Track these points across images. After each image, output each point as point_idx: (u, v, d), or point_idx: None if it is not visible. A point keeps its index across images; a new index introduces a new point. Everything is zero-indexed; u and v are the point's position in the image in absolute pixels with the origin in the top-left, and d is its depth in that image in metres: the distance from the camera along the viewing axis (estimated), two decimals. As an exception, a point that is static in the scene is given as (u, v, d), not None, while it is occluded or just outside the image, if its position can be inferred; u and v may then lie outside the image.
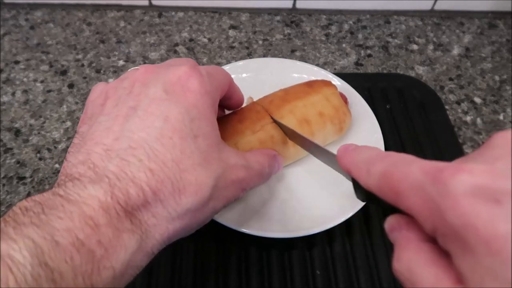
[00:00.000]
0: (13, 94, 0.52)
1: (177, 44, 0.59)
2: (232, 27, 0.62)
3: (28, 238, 0.19)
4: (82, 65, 0.56)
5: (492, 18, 0.65)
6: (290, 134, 0.39)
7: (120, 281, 0.23)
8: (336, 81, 0.48)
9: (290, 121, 0.40)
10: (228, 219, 0.37)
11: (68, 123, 0.50)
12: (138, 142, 0.25)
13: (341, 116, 0.42)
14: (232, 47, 0.59)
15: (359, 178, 0.24)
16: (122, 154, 0.24)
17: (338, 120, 0.42)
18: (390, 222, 0.23)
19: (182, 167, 0.25)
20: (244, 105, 0.40)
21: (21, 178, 0.45)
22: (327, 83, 0.43)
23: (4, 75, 0.54)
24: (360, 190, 0.26)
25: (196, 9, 0.64)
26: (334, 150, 0.29)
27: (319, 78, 0.45)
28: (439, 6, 0.64)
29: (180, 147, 0.25)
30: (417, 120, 0.49)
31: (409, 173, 0.20)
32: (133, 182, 0.23)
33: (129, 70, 0.30)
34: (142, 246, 0.24)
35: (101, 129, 0.26)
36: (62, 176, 0.24)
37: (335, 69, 0.57)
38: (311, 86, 0.43)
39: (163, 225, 0.25)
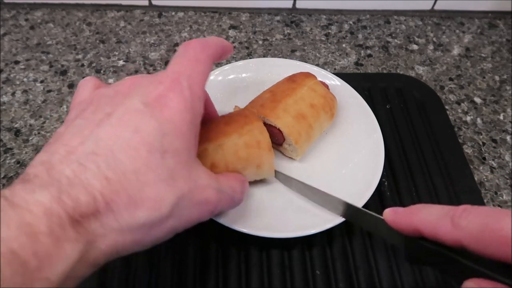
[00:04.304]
0: (13, 94, 0.52)
1: (177, 44, 0.59)
2: (232, 27, 0.62)
3: None
4: (82, 65, 0.56)
5: (492, 18, 0.65)
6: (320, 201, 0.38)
7: None
8: (336, 81, 0.48)
9: (287, 120, 0.40)
10: (228, 219, 0.37)
11: (68, 123, 0.50)
12: (102, 149, 0.24)
13: (330, 102, 0.43)
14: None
15: (437, 232, 0.25)
16: (82, 158, 0.24)
17: (329, 107, 0.43)
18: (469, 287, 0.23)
19: (143, 181, 0.24)
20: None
21: (21, 178, 0.45)
22: (307, 75, 0.45)
23: (4, 75, 0.54)
24: (413, 250, 0.27)
25: (196, 9, 0.64)
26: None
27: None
28: (439, 6, 0.64)
29: (145, 160, 0.24)
30: (417, 120, 0.49)
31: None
32: (86, 189, 0.23)
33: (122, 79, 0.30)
34: (84, 257, 0.23)
35: (73, 131, 0.26)
36: (22, 175, 0.24)
37: (335, 69, 0.57)
38: (294, 81, 0.43)
39: (111, 237, 0.24)
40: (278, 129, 0.40)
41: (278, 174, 0.41)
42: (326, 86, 0.45)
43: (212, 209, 0.29)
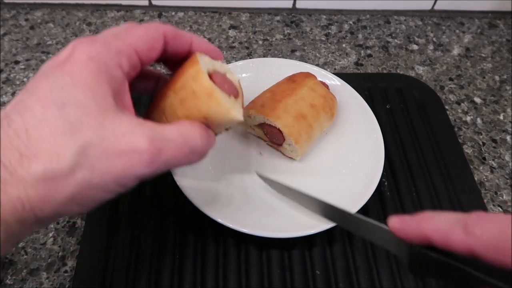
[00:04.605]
0: (13, 94, 0.52)
1: (177, 44, 0.59)
2: (232, 27, 0.62)
3: None
4: (82, 65, 0.56)
5: (492, 18, 0.65)
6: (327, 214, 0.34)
7: None
8: (336, 81, 0.48)
9: (287, 120, 0.40)
10: (228, 219, 0.37)
11: (68, 123, 0.50)
12: (2, 115, 0.25)
13: (330, 102, 0.43)
14: (232, 47, 0.59)
15: (448, 240, 0.24)
16: None
17: (329, 107, 0.43)
18: None
19: (36, 136, 0.24)
20: None
21: (21, 178, 0.45)
22: (308, 75, 0.45)
23: (4, 75, 0.54)
24: (418, 261, 0.25)
25: (196, 9, 0.64)
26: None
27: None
28: (439, 6, 0.64)
29: (40, 116, 0.25)
30: (417, 120, 0.49)
31: None
32: None
33: None
34: None
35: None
36: None
37: (335, 69, 0.57)
38: (294, 81, 0.44)
39: (12, 193, 0.24)
40: (278, 129, 0.40)
41: (262, 177, 0.39)
42: (326, 86, 0.45)
43: (147, 159, 0.26)
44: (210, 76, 0.31)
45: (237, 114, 0.31)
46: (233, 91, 0.32)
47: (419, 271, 0.26)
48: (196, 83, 0.30)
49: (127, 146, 0.26)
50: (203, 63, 0.31)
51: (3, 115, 0.25)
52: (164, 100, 0.31)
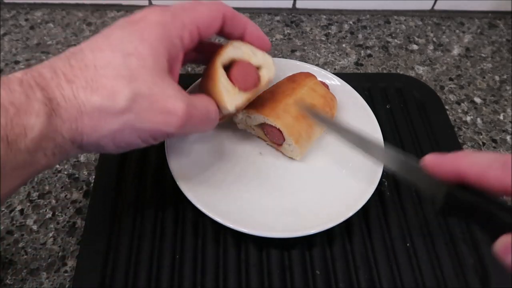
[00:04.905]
0: (13, 94, 0.52)
1: (177, 44, 0.59)
2: (232, 27, 0.62)
3: None
4: (82, 65, 0.56)
5: (492, 18, 0.65)
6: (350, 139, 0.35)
7: (35, 148, 0.26)
8: (336, 81, 0.48)
9: (287, 120, 0.40)
10: (228, 219, 0.37)
11: (68, 123, 0.50)
12: (76, 49, 0.30)
13: (330, 102, 0.43)
14: (232, 47, 0.59)
15: (485, 176, 0.24)
16: (62, 54, 0.29)
17: (329, 107, 0.43)
18: (505, 242, 0.23)
19: (102, 73, 0.28)
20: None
21: (21, 178, 0.45)
22: (308, 75, 0.45)
23: (4, 75, 0.54)
24: (450, 201, 0.26)
25: (196, 9, 0.64)
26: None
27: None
28: (439, 6, 0.64)
29: (108, 58, 0.29)
30: (417, 120, 0.49)
31: None
32: (51, 67, 0.28)
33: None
34: (51, 121, 0.27)
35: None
36: None
37: (335, 69, 0.57)
38: (294, 81, 0.44)
39: (72, 113, 0.27)
40: (278, 129, 0.40)
41: (311, 113, 0.40)
42: (326, 86, 0.45)
43: (181, 122, 0.31)
44: (233, 64, 0.36)
45: (229, 104, 0.35)
46: (244, 85, 0.36)
47: (448, 212, 0.26)
48: (211, 66, 0.36)
49: (170, 106, 0.30)
50: (232, 50, 0.36)
51: (78, 49, 0.29)
52: (207, 67, 0.38)
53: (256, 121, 0.42)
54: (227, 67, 0.36)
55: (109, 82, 0.28)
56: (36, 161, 0.27)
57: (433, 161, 0.27)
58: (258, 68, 0.38)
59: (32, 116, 0.26)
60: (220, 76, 0.35)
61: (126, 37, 0.30)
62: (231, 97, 0.35)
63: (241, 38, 0.37)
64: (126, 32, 0.30)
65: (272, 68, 0.38)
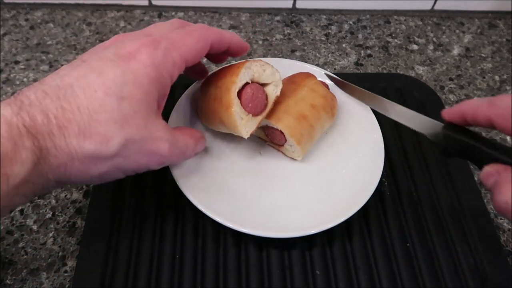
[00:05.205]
0: (13, 94, 0.52)
1: (177, 44, 0.59)
2: (232, 27, 0.62)
3: None
4: (82, 65, 0.56)
5: (492, 18, 0.65)
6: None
7: (15, 193, 0.26)
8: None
9: (288, 121, 0.40)
10: (228, 219, 0.37)
11: (68, 123, 0.50)
12: (66, 84, 0.28)
13: (330, 102, 0.43)
14: (232, 47, 0.59)
15: (476, 112, 0.31)
16: (47, 88, 0.28)
17: (330, 107, 0.43)
18: (487, 170, 0.30)
19: (95, 118, 0.28)
20: None
21: (21, 178, 0.45)
22: (308, 75, 0.45)
23: (4, 75, 0.54)
24: (449, 144, 0.35)
25: (196, 9, 0.64)
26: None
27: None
28: (439, 6, 0.64)
29: (101, 101, 0.28)
30: (417, 120, 0.49)
31: None
32: (43, 111, 0.27)
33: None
34: (37, 169, 0.26)
35: (56, 72, 0.30)
36: None
37: (335, 69, 0.57)
38: (294, 82, 0.43)
39: (62, 159, 0.27)
40: (280, 131, 0.40)
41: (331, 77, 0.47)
42: (326, 86, 0.45)
43: (163, 160, 0.33)
44: (245, 87, 0.38)
45: (244, 132, 0.38)
46: (255, 110, 0.38)
47: (448, 153, 0.35)
48: (225, 93, 0.37)
49: (155, 148, 0.31)
50: (246, 73, 0.37)
51: (69, 85, 0.28)
52: (209, 84, 0.40)
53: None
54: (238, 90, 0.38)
55: (102, 128, 0.28)
56: (14, 202, 0.27)
57: (447, 111, 0.35)
58: (266, 85, 0.39)
59: (18, 165, 0.25)
60: (235, 105, 0.36)
61: (119, 78, 0.29)
62: (245, 124, 0.38)
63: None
64: (119, 72, 0.29)
65: (280, 84, 0.40)
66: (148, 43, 0.31)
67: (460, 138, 0.34)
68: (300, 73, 0.45)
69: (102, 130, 0.28)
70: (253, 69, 0.38)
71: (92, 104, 0.28)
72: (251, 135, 0.44)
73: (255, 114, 0.38)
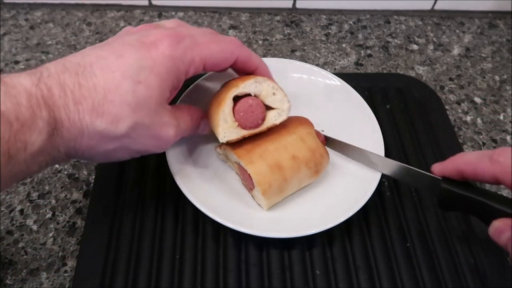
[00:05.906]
0: (13, 94, 0.52)
1: (177, 44, 0.59)
2: (232, 27, 0.62)
3: None
4: (82, 65, 0.56)
5: (492, 18, 0.65)
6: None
7: (32, 161, 0.27)
8: (336, 81, 0.48)
9: (260, 167, 0.37)
10: (228, 219, 0.37)
11: (68, 123, 0.50)
12: (86, 62, 0.29)
13: (318, 158, 0.39)
14: (232, 47, 0.59)
15: (477, 169, 0.30)
16: (67, 64, 0.29)
17: (314, 163, 0.39)
18: (498, 225, 0.28)
19: (109, 98, 0.29)
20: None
21: (21, 178, 0.45)
22: (303, 121, 0.41)
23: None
24: (447, 198, 0.33)
25: (196, 9, 0.64)
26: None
27: (299, 116, 0.42)
28: (439, 6, 0.64)
29: (117, 82, 0.29)
30: (417, 120, 0.49)
31: None
32: (60, 84, 0.28)
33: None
34: (51, 139, 0.27)
35: (81, 51, 0.31)
36: None
37: (335, 69, 0.57)
38: (284, 125, 0.39)
39: (74, 133, 0.28)
40: (249, 175, 0.37)
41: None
42: (322, 139, 0.41)
43: (168, 146, 0.35)
44: (246, 96, 0.37)
45: (221, 134, 0.36)
46: (244, 122, 0.37)
47: (446, 206, 0.33)
48: (224, 92, 0.37)
49: (163, 133, 0.33)
50: (252, 85, 0.36)
51: (88, 63, 0.29)
52: (223, 87, 0.39)
53: (233, 158, 0.40)
54: (240, 97, 0.37)
55: (114, 109, 0.29)
56: (31, 170, 0.28)
57: (438, 166, 0.34)
58: (270, 108, 0.38)
59: (35, 133, 0.26)
60: (225, 106, 0.36)
61: (138, 63, 0.30)
62: (226, 129, 0.36)
63: (251, 73, 0.39)
64: (139, 57, 0.30)
65: (284, 115, 0.38)
66: (172, 35, 0.32)
67: (464, 194, 0.32)
68: (297, 117, 0.41)
69: (114, 111, 0.29)
70: (262, 86, 0.37)
71: (108, 84, 0.29)
72: (227, 163, 0.42)
73: (242, 126, 0.36)
